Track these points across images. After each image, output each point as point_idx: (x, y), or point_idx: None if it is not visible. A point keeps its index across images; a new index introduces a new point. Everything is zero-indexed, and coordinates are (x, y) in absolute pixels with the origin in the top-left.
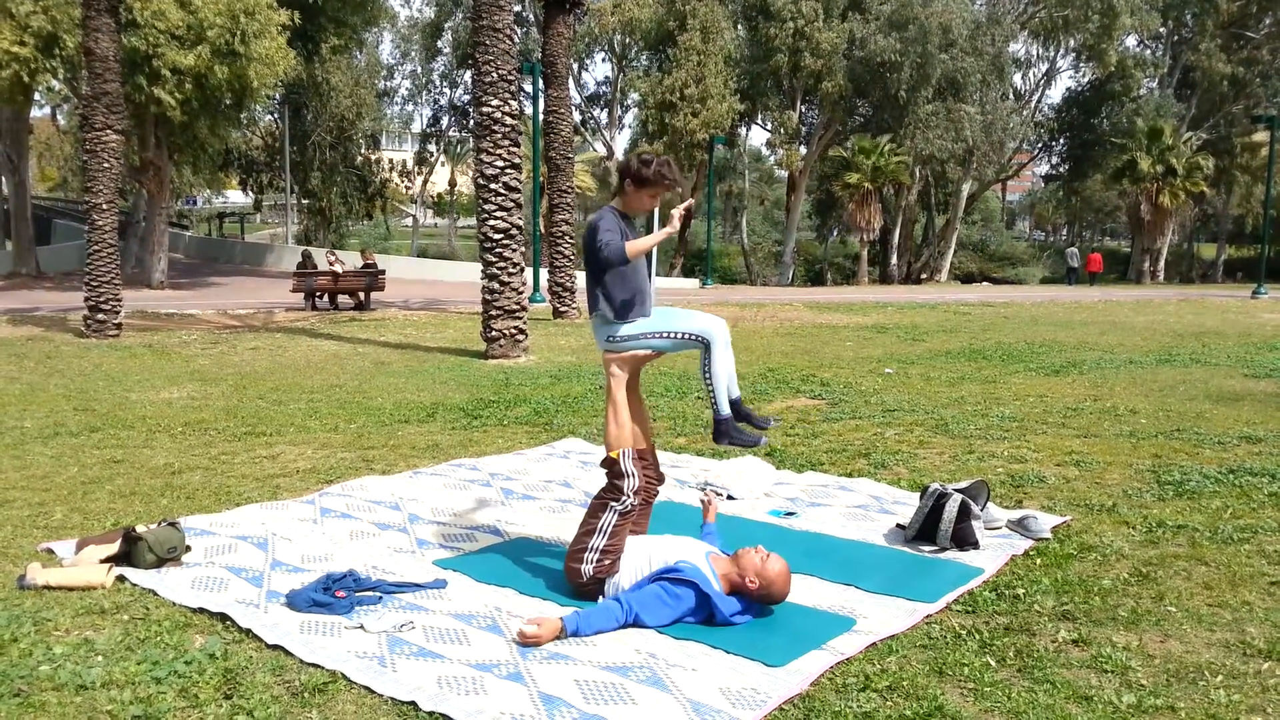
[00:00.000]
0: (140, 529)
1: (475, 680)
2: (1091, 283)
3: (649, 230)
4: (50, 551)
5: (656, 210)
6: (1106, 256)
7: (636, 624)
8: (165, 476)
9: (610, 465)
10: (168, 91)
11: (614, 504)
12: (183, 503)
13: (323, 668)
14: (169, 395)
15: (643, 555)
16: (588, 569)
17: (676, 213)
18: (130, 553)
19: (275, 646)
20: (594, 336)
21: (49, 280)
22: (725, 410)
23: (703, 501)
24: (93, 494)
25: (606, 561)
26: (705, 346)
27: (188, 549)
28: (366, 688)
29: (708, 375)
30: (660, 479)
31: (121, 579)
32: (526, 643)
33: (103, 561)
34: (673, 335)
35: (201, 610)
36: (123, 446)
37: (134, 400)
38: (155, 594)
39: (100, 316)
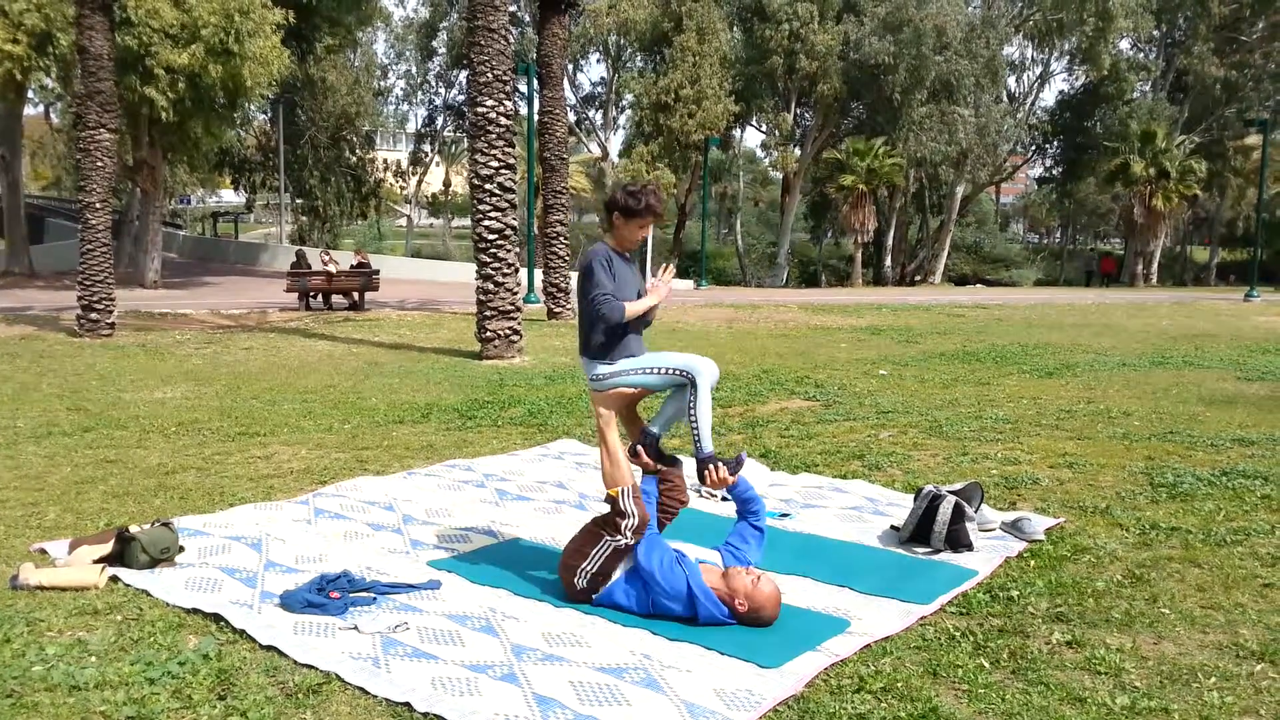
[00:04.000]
0: (133, 529)
1: (470, 681)
2: (1106, 284)
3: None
4: (43, 552)
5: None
6: (1098, 259)
7: (640, 561)
8: (159, 476)
9: (611, 503)
10: (160, 91)
11: (610, 538)
12: (176, 503)
13: (317, 669)
14: (162, 395)
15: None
16: (581, 582)
17: (661, 281)
18: (123, 553)
19: (269, 647)
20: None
21: (41, 279)
22: (708, 448)
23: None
24: (86, 494)
25: (597, 584)
26: (691, 383)
27: (181, 549)
28: (361, 689)
29: (693, 414)
30: (682, 501)
31: (115, 579)
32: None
33: (96, 562)
34: (657, 371)
35: (195, 611)
36: (116, 446)
37: (127, 400)
38: (149, 594)
39: (93, 316)
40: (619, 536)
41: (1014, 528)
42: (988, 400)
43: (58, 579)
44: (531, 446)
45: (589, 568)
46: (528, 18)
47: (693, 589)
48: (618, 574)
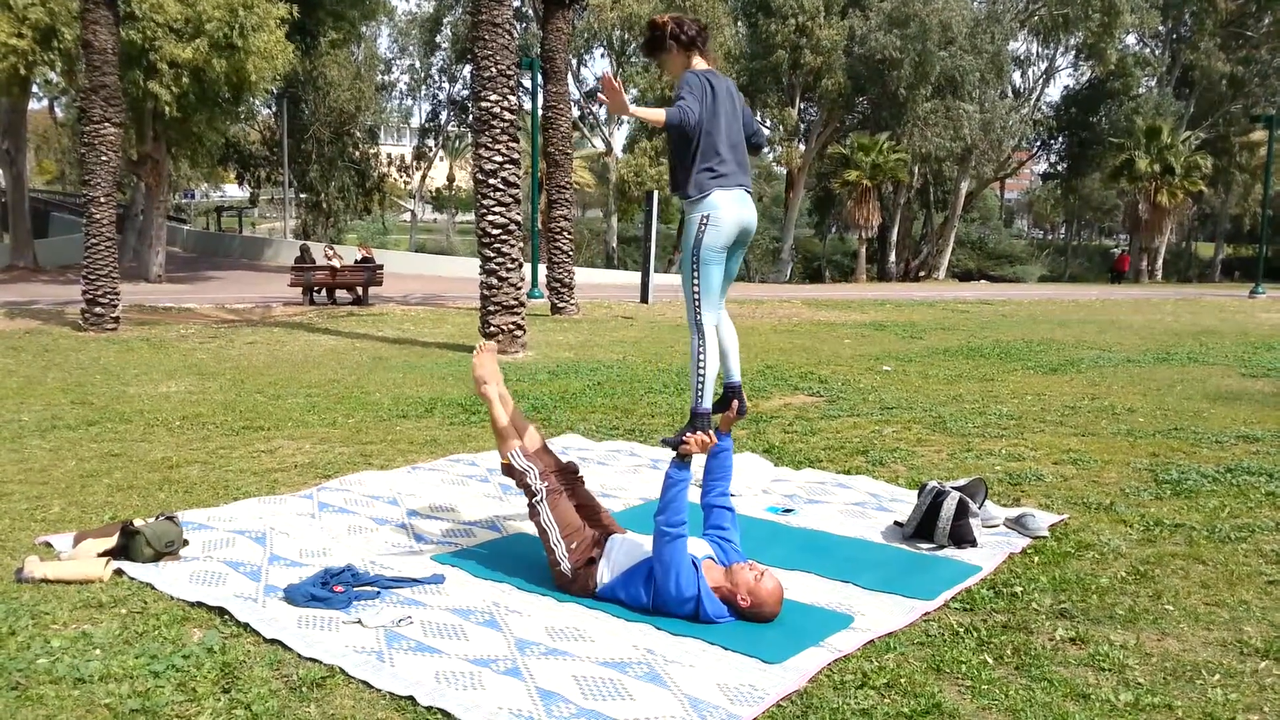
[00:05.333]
0: (138, 523)
1: (473, 675)
2: (1121, 280)
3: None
4: (48, 545)
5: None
6: (1102, 254)
7: (659, 554)
8: (163, 470)
9: (507, 469)
10: (164, 85)
11: (534, 502)
12: (180, 497)
13: (321, 662)
14: (167, 389)
15: (639, 551)
16: (565, 565)
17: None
18: (128, 546)
19: (273, 641)
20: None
21: (46, 274)
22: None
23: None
24: (90, 487)
25: (574, 544)
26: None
27: (185, 543)
28: (364, 682)
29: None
30: (567, 466)
31: (119, 573)
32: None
33: (100, 555)
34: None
35: (199, 604)
36: (120, 440)
37: (132, 394)
38: (153, 588)
39: (98, 310)
40: (535, 488)
41: (1018, 524)
42: (992, 396)
43: (62, 572)
44: None
45: (555, 538)
46: (531, 12)
47: (701, 596)
48: (609, 545)
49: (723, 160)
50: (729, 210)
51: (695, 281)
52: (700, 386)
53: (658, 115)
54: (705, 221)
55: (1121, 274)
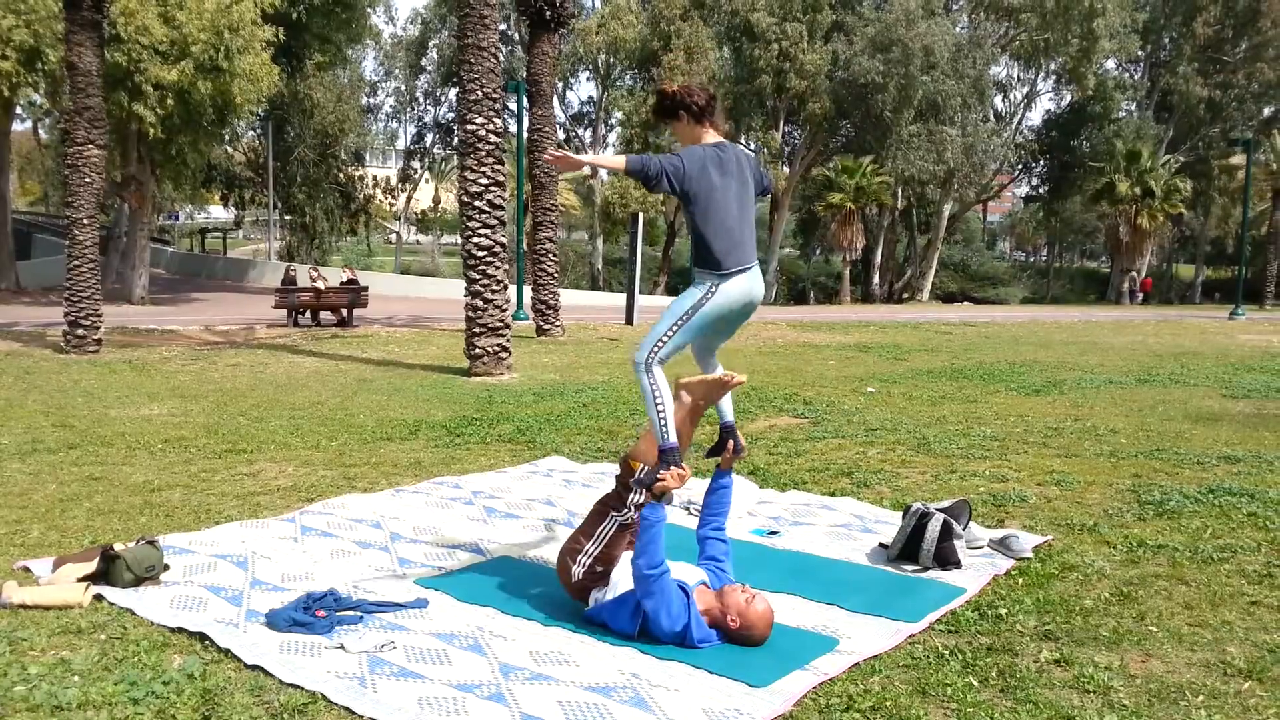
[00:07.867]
0: (118, 547)
1: (456, 701)
2: (1145, 301)
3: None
4: (27, 570)
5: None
6: (1084, 277)
7: (648, 593)
8: (144, 494)
9: (624, 465)
10: (148, 107)
11: (615, 513)
12: (162, 520)
13: (302, 688)
14: (149, 412)
15: (629, 579)
16: (578, 570)
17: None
18: (108, 571)
19: (254, 666)
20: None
21: (28, 295)
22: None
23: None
24: (70, 511)
25: (598, 569)
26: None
27: (166, 568)
28: (346, 708)
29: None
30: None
31: (99, 598)
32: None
33: (80, 580)
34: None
35: (180, 630)
36: (101, 463)
37: (113, 417)
38: (133, 613)
39: (80, 332)
40: (626, 510)
41: (1002, 545)
42: (975, 418)
43: (41, 597)
44: (520, 464)
45: (592, 549)
46: (517, 36)
47: (690, 624)
48: (616, 574)
49: (734, 232)
50: (738, 285)
51: (671, 333)
52: (663, 424)
53: (617, 162)
54: (714, 290)
55: (1147, 295)
